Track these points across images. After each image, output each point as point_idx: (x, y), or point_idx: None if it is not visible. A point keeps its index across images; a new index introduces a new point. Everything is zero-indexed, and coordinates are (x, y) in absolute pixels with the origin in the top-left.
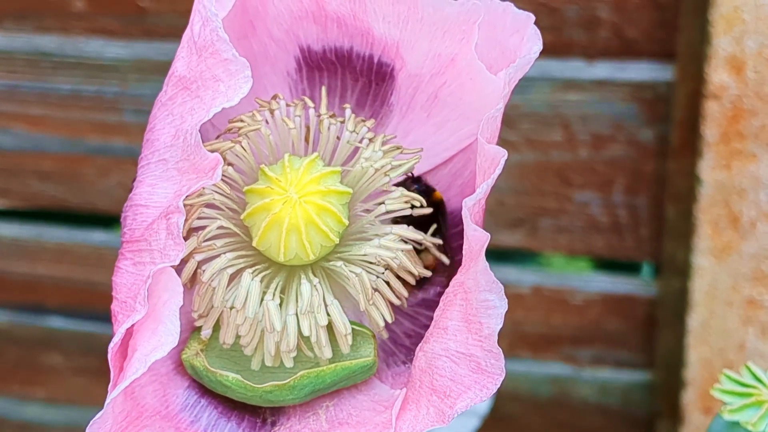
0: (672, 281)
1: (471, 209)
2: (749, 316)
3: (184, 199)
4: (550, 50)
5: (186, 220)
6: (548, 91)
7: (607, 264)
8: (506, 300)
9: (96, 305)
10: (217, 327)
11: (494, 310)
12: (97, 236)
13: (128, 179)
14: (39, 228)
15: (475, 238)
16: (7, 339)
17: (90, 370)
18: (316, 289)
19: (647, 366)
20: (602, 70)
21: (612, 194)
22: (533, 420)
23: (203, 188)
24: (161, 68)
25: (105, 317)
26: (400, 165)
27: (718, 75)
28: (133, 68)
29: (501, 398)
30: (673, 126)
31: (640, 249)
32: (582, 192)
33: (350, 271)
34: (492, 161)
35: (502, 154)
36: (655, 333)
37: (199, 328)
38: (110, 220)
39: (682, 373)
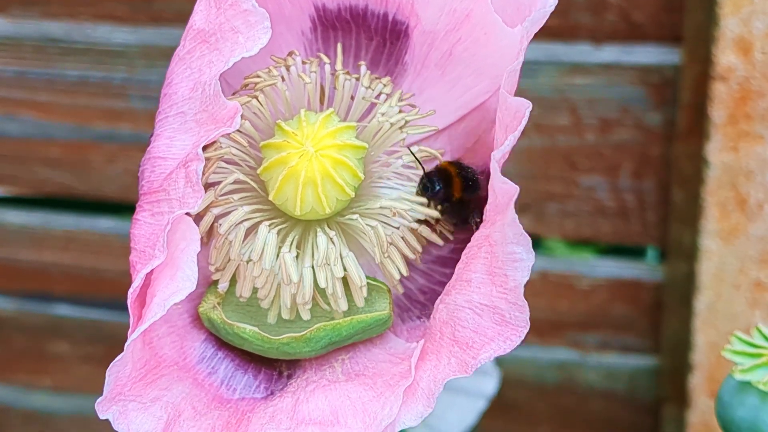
0: (678, 265)
1: (499, 162)
2: (756, 299)
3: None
4: (556, 34)
5: (203, 174)
6: (555, 75)
7: (610, 250)
8: (533, 253)
9: (103, 293)
10: (233, 282)
11: (521, 263)
12: (105, 223)
13: (136, 166)
14: (46, 215)
15: (503, 191)
16: (13, 327)
17: (97, 358)
18: (332, 242)
19: (653, 351)
20: (609, 53)
21: (619, 178)
22: (539, 406)
23: (220, 142)
24: (169, 54)
25: (112, 305)
26: (413, 120)
27: (725, 56)
28: (140, 54)
29: (507, 384)
30: (679, 109)
31: (647, 233)
32: (589, 176)
33: (366, 224)
34: (515, 114)
35: (527, 105)
36: (662, 318)
37: (215, 283)
38: (117, 207)
39: (689, 356)
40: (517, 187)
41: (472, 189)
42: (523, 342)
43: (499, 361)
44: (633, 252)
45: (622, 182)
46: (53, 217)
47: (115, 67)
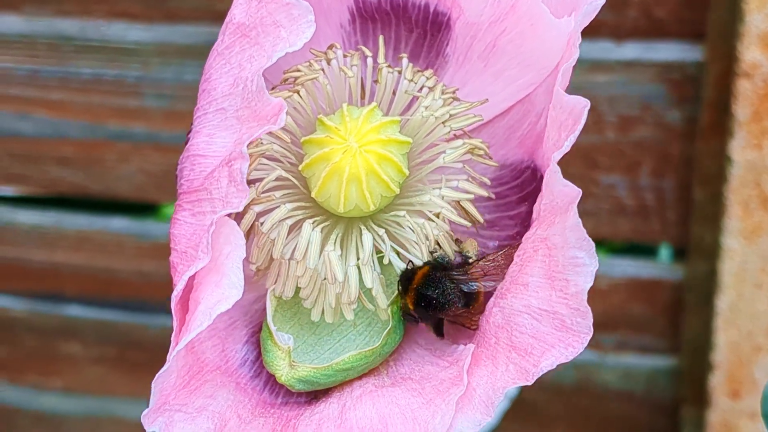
0: (699, 264)
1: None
2: None
3: None
4: None
5: None
6: (576, 72)
7: (624, 250)
8: (597, 258)
9: (116, 293)
10: (280, 312)
11: (583, 267)
12: (117, 223)
13: (149, 165)
14: (58, 215)
15: (563, 194)
16: (25, 328)
17: (108, 359)
18: (383, 240)
19: (672, 351)
20: (631, 50)
21: (639, 177)
22: (556, 406)
23: (261, 139)
24: (183, 52)
25: (124, 305)
26: (458, 114)
27: (750, 53)
28: (154, 52)
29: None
30: (702, 106)
31: (666, 232)
32: (608, 175)
33: (414, 221)
34: (571, 112)
35: (584, 104)
36: (680, 317)
37: (268, 340)
38: (131, 207)
39: (709, 356)
40: (580, 190)
41: (428, 309)
42: None
43: None
44: (646, 251)
45: (642, 180)
46: (65, 216)
47: (129, 65)
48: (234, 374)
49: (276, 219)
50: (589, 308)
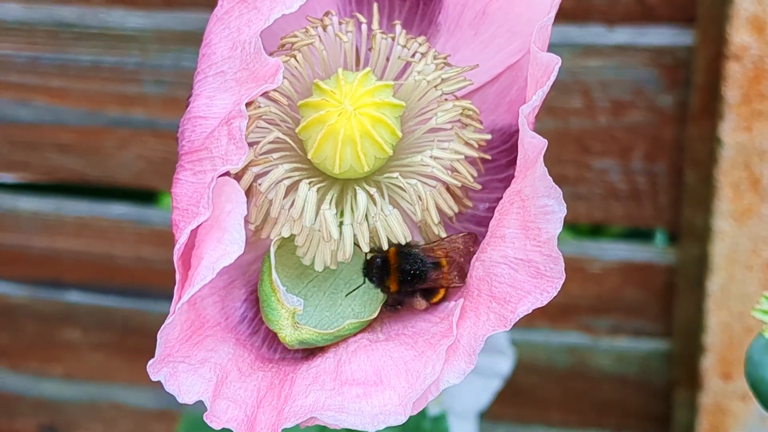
0: (691, 247)
1: (527, 117)
2: None
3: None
4: (570, 16)
5: None
6: (568, 57)
7: (623, 235)
8: (565, 204)
9: (116, 280)
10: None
11: (553, 215)
12: (117, 209)
13: (148, 151)
14: (58, 202)
15: (532, 145)
16: (25, 314)
17: (108, 345)
18: (373, 200)
19: (665, 334)
20: (622, 35)
21: (631, 161)
22: (551, 390)
23: (259, 102)
24: (182, 38)
25: (125, 292)
26: (449, 78)
27: (739, 35)
28: (154, 39)
29: (519, 369)
30: (693, 90)
31: (659, 216)
32: (601, 159)
33: (406, 182)
34: (545, 69)
35: (556, 61)
36: (674, 301)
37: (273, 302)
38: (130, 193)
39: (701, 338)
40: (546, 140)
41: (411, 283)
42: (534, 326)
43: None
44: (643, 235)
45: (635, 165)
46: (65, 203)
47: (128, 52)
48: (234, 330)
49: (273, 179)
50: (560, 253)
